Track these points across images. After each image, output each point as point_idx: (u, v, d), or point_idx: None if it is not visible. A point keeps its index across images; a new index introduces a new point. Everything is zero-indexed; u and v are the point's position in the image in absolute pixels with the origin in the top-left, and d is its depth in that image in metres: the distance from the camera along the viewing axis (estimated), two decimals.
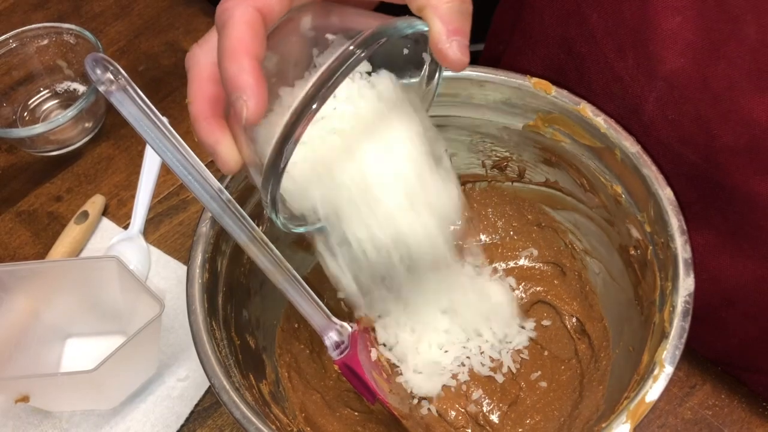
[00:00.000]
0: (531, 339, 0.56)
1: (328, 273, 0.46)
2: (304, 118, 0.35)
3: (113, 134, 0.77)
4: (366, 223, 0.42)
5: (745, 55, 0.44)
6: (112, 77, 0.39)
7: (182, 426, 0.59)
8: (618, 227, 0.52)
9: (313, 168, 0.41)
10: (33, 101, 0.78)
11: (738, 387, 0.58)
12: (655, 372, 0.41)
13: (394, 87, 0.42)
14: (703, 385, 0.58)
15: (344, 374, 0.50)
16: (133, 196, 0.72)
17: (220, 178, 0.49)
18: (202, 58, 0.41)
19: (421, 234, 0.43)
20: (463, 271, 0.55)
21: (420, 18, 0.38)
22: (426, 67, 0.42)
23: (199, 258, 0.48)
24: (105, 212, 0.72)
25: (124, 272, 0.57)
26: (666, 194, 0.47)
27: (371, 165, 0.41)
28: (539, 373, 0.55)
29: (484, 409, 0.53)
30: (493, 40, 0.68)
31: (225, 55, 0.37)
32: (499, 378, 0.54)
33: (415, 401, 0.53)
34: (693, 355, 0.59)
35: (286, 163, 0.37)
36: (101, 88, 0.39)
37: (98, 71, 0.39)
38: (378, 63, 0.41)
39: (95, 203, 0.71)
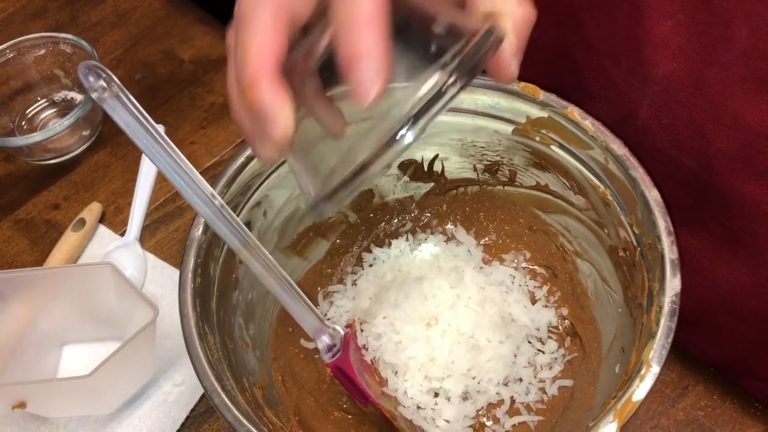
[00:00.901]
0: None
1: None
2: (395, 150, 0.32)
3: (110, 142, 0.78)
4: None
5: (737, 59, 0.44)
6: (104, 84, 0.40)
7: (178, 430, 0.59)
8: (607, 229, 0.53)
9: None
10: (30, 110, 0.79)
11: (730, 388, 0.58)
12: (642, 371, 0.41)
13: None
14: (695, 386, 0.58)
15: (336, 377, 0.50)
16: (129, 204, 0.72)
17: (213, 184, 0.50)
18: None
19: None
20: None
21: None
22: (439, 74, 0.33)
23: (191, 263, 0.49)
24: (102, 220, 0.72)
25: (119, 279, 0.57)
26: (653, 196, 0.47)
27: None
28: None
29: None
30: None
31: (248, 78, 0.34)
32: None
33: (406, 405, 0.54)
34: (685, 356, 0.59)
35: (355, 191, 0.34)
36: (94, 96, 0.40)
37: (91, 78, 0.40)
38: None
39: (92, 211, 0.71)
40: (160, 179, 0.74)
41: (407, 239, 0.63)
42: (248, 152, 0.53)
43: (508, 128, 0.55)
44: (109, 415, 0.60)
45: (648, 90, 0.49)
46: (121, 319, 0.61)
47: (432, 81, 0.32)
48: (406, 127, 0.32)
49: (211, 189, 0.43)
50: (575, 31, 0.53)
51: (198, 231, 0.50)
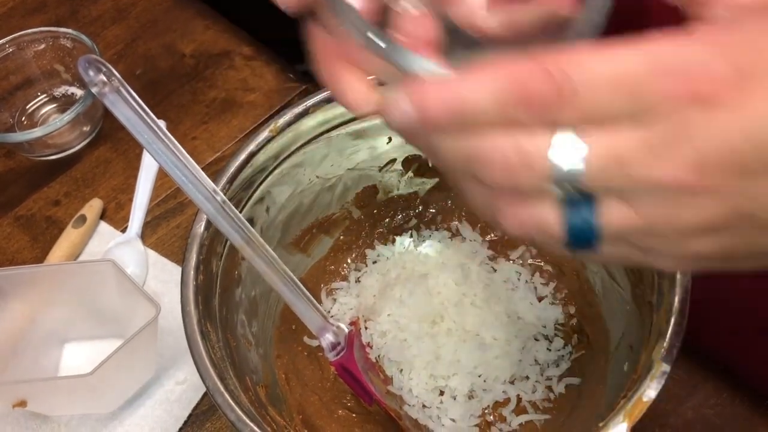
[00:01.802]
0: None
1: None
2: None
3: (111, 138, 0.77)
4: None
5: None
6: (105, 79, 0.39)
7: (180, 429, 0.59)
8: None
9: None
10: (31, 106, 0.78)
11: (740, 386, 0.57)
12: (653, 371, 0.41)
13: None
14: (704, 384, 0.58)
15: (340, 375, 0.50)
16: (130, 200, 0.72)
17: (215, 180, 0.49)
18: None
19: None
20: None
21: None
22: None
23: (193, 259, 0.48)
24: (103, 216, 0.72)
25: (121, 276, 0.57)
26: None
27: None
28: None
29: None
30: None
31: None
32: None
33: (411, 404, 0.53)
34: (694, 355, 0.58)
35: None
36: (94, 90, 0.39)
37: (91, 72, 0.39)
38: None
39: (93, 207, 0.71)
40: (162, 175, 0.73)
41: (411, 236, 0.62)
42: (251, 148, 0.53)
43: None
44: (110, 414, 0.59)
45: None
46: (123, 316, 0.60)
47: None
48: None
49: (213, 185, 0.43)
50: None
51: (200, 227, 0.49)
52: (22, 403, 0.55)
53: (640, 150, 0.24)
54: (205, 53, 0.83)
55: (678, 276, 0.43)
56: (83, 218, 0.69)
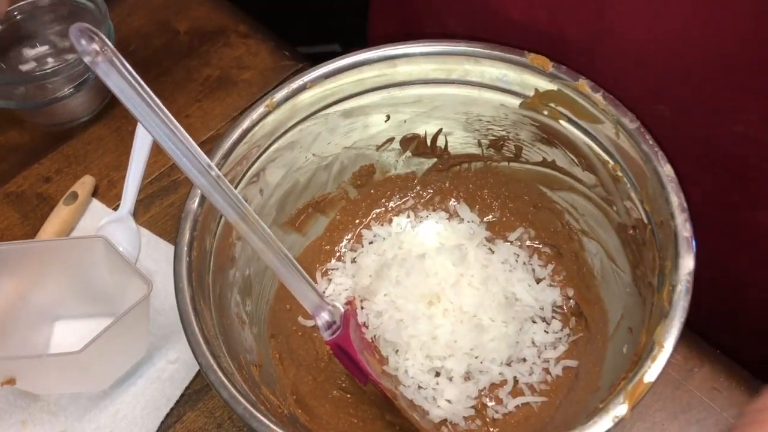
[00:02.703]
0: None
1: None
2: None
3: (104, 115, 0.76)
4: None
5: None
6: (98, 48, 0.38)
7: (172, 409, 0.58)
8: (616, 206, 0.51)
9: None
10: (42, 71, 0.76)
11: (737, 370, 0.57)
12: (654, 352, 0.40)
13: None
14: (701, 368, 0.57)
15: (336, 355, 0.49)
16: (123, 177, 0.70)
17: (209, 157, 0.48)
18: None
19: None
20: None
21: None
22: None
23: (187, 235, 0.47)
24: (95, 193, 0.70)
25: (112, 253, 0.56)
26: (666, 171, 0.46)
27: None
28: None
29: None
30: (378, 16, 0.66)
31: None
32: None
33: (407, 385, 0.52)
34: (691, 338, 0.58)
35: None
36: (86, 59, 0.38)
37: (83, 41, 0.38)
38: None
39: (85, 184, 0.69)
40: (155, 152, 0.72)
41: (408, 216, 0.61)
42: (245, 125, 0.52)
43: (516, 101, 0.53)
44: (101, 393, 0.59)
45: None
46: (114, 294, 0.59)
47: None
48: None
49: (207, 159, 0.42)
50: None
51: (194, 203, 0.48)
52: (11, 381, 0.55)
53: None
54: (200, 30, 0.82)
55: (682, 256, 0.43)
56: (75, 195, 0.68)
